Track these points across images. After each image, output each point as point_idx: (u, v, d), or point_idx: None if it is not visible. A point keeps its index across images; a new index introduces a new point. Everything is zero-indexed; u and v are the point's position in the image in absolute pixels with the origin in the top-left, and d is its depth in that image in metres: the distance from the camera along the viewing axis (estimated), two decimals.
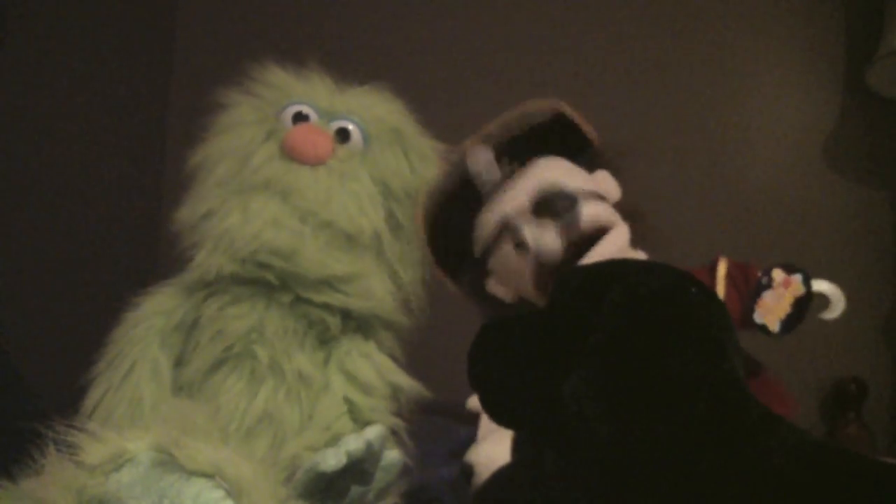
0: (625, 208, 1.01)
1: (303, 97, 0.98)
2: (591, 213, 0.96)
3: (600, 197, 1.01)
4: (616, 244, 0.96)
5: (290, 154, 0.92)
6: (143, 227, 1.75)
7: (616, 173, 1.03)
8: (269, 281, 0.88)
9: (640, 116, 1.70)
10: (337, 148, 0.94)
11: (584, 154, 1.03)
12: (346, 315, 0.91)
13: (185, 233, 0.93)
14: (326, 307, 0.90)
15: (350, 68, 1.01)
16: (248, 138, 0.94)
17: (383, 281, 0.93)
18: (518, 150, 1.00)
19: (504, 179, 0.99)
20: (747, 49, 1.74)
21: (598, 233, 0.97)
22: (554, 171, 1.00)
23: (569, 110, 1.02)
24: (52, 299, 1.49)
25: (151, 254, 1.70)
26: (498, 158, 0.99)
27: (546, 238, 0.94)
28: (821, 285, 0.98)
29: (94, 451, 0.66)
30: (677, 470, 0.57)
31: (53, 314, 1.47)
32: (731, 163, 1.71)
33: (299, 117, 0.96)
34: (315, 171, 0.92)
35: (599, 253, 0.94)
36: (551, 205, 0.96)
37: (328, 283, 0.89)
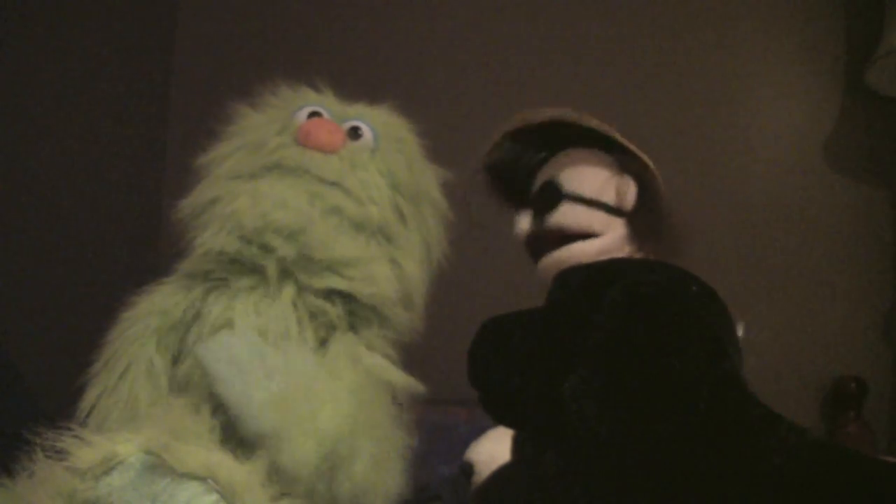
0: (638, 226, 1.03)
1: (316, 101, 1.00)
2: (562, 216, 1.04)
3: (599, 204, 1.03)
4: (578, 251, 1.01)
5: (303, 141, 0.93)
6: (143, 227, 1.75)
7: (641, 185, 1.05)
8: (270, 269, 0.88)
9: (641, 116, 1.70)
10: (348, 143, 0.96)
11: (618, 153, 1.06)
12: (347, 305, 0.91)
13: (189, 220, 0.93)
14: (328, 296, 0.90)
15: (351, 70, 1.02)
16: (261, 135, 0.95)
17: (386, 269, 0.93)
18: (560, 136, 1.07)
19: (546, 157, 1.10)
20: (747, 49, 1.74)
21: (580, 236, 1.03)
22: (571, 166, 1.06)
23: (618, 135, 1.05)
24: (51, 299, 1.49)
25: (151, 253, 1.70)
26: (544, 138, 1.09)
27: (521, 220, 1.07)
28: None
29: (84, 455, 0.65)
30: (677, 469, 0.57)
31: (53, 314, 1.47)
32: (732, 163, 1.71)
33: (313, 115, 0.97)
34: (327, 157, 0.93)
35: (559, 256, 1.02)
36: (540, 195, 1.07)
37: (332, 266, 0.89)
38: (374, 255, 0.92)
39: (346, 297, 0.91)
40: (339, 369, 0.88)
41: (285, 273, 0.89)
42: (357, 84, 1.02)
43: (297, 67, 1.04)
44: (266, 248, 0.88)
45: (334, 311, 0.90)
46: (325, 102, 1.01)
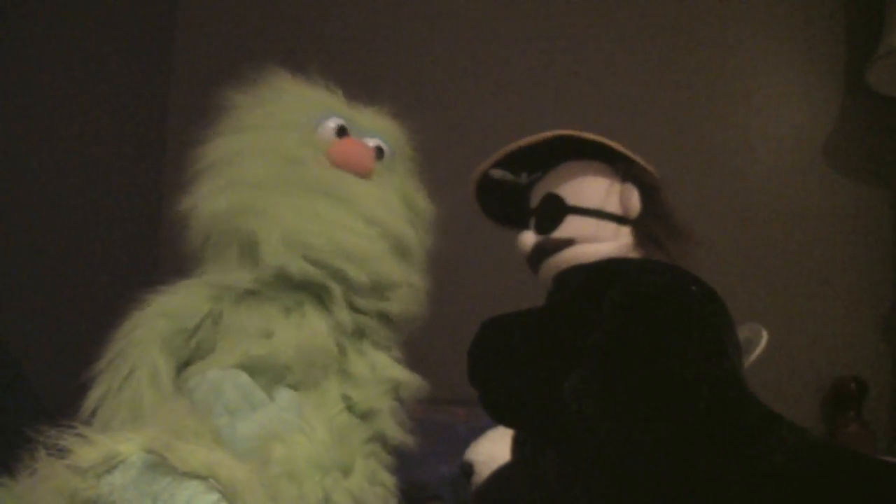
0: (646, 232, 1.02)
1: (336, 110, 1.00)
2: (569, 230, 1.03)
3: (604, 215, 1.02)
4: (583, 254, 1.01)
5: (343, 165, 0.94)
6: (143, 227, 1.75)
7: (645, 190, 1.03)
8: (329, 289, 0.88)
9: (641, 116, 1.70)
10: (376, 164, 0.98)
11: (620, 162, 1.04)
12: (382, 319, 0.93)
13: (211, 224, 0.91)
14: (370, 313, 0.92)
15: (349, 68, 1.02)
16: (281, 140, 0.94)
17: (411, 288, 0.95)
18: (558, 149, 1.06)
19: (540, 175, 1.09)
20: (747, 49, 1.74)
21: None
22: (570, 180, 1.05)
23: (615, 144, 1.03)
24: (52, 298, 1.49)
25: (152, 253, 1.71)
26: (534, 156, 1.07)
27: (524, 237, 1.06)
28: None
29: (85, 454, 0.65)
30: (677, 469, 0.57)
31: (54, 313, 1.48)
32: (731, 163, 1.71)
33: (343, 132, 0.98)
34: (366, 184, 0.94)
35: (562, 258, 1.01)
36: (543, 211, 1.05)
37: (378, 289, 0.91)
38: (407, 276, 0.94)
39: (384, 314, 0.93)
40: (344, 363, 0.89)
41: (339, 293, 0.89)
42: (358, 84, 1.01)
43: (300, 68, 1.04)
44: (332, 271, 0.88)
45: (371, 323, 0.92)
46: (347, 113, 1.00)
